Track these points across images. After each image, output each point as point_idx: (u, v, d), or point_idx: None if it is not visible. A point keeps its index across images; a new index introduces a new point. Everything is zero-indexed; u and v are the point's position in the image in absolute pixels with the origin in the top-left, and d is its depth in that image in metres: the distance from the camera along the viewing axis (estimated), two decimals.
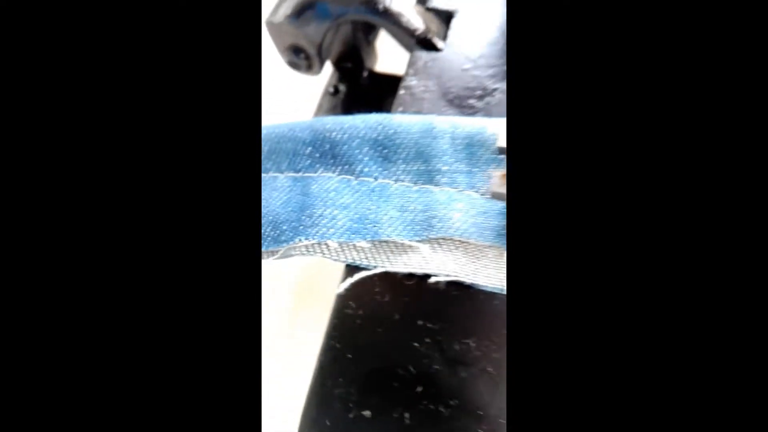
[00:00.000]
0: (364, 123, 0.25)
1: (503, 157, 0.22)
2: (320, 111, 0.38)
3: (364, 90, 0.39)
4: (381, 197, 0.24)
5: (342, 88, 0.39)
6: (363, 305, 0.24)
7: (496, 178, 0.20)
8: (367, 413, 0.23)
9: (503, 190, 0.19)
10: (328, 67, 0.40)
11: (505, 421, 0.21)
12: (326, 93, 0.39)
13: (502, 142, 0.20)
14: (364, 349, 0.23)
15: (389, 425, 0.22)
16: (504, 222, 0.23)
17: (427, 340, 0.23)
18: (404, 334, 0.23)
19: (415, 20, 0.29)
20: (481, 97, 0.27)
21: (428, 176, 0.25)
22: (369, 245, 0.24)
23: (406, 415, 0.22)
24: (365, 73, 0.39)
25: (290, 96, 0.42)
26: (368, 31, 0.37)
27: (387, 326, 0.23)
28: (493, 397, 0.22)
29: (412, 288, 0.23)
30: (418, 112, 0.26)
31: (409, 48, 0.29)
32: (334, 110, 0.38)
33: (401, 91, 0.27)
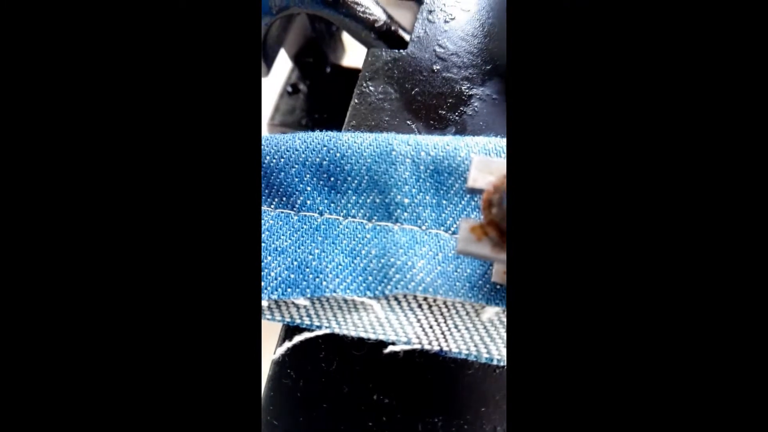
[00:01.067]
0: (305, 145, 0.20)
1: (478, 198, 0.17)
2: (276, 114, 0.33)
3: (328, 88, 0.34)
4: (327, 238, 0.20)
5: (302, 87, 0.33)
6: (304, 375, 0.19)
7: (464, 230, 0.15)
8: None
9: (475, 249, 0.14)
10: (288, 63, 0.35)
11: None
12: (284, 92, 0.34)
13: (475, 179, 0.15)
14: (306, 429, 0.19)
15: None
16: (481, 270, 0.19)
17: (384, 418, 0.19)
18: (355, 411, 0.19)
19: (375, 9, 0.23)
20: (453, 107, 0.21)
21: (385, 211, 0.20)
22: (308, 302, 0.19)
23: None
24: (328, 69, 0.33)
25: None
26: (330, 21, 0.31)
27: (334, 401, 0.19)
28: None
29: (365, 356, 0.19)
30: (376, 127, 0.21)
31: (366, 43, 0.24)
32: (292, 113, 0.33)
33: (354, 101, 0.22)
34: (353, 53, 0.36)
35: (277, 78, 0.34)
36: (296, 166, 0.20)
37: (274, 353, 0.19)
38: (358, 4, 0.23)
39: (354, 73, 0.34)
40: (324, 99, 0.33)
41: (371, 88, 0.22)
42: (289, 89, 0.33)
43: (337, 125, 0.22)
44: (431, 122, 0.21)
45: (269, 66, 0.27)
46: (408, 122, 0.21)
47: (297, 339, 0.19)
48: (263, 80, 0.29)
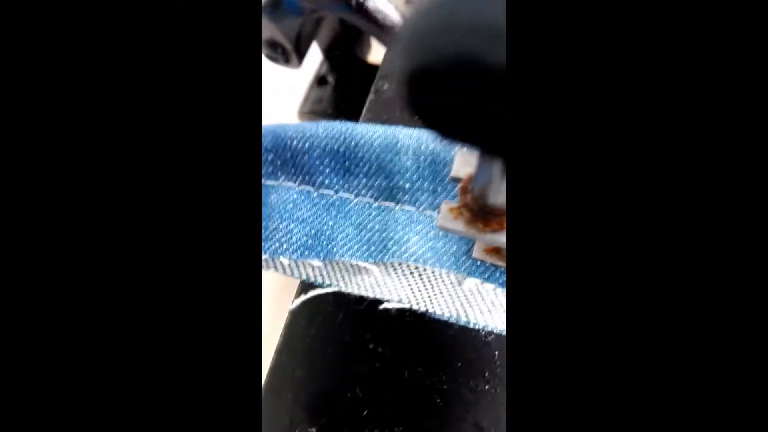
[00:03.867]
0: (326, 132, 0.24)
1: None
2: (306, 102, 0.37)
3: (353, 82, 0.37)
4: (339, 212, 0.23)
5: (330, 79, 0.37)
6: (315, 323, 0.23)
7: (444, 210, 0.18)
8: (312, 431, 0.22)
9: (451, 225, 0.18)
10: (318, 55, 0.39)
11: None
12: (314, 83, 0.37)
13: (457, 170, 0.19)
14: (313, 368, 0.23)
15: None
16: (465, 248, 0.22)
17: (377, 364, 0.22)
18: (354, 357, 0.23)
19: (394, 16, 0.27)
20: None
21: (389, 193, 0.23)
22: (321, 264, 0.23)
23: None
24: (355, 64, 0.37)
25: (275, 83, 0.40)
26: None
27: (337, 347, 0.23)
28: (439, 429, 0.21)
29: (365, 311, 0.22)
30: (388, 121, 0.25)
31: (386, 45, 0.27)
32: (319, 102, 0.37)
33: (371, 96, 0.25)
34: (379, 50, 0.40)
35: (308, 70, 0.38)
36: (318, 150, 0.24)
37: (292, 303, 0.24)
38: (378, 11, 0.26)
39: (378, 69, 0.38)
40: (349, 91, 0.37)
41: (386, 86, 0.26)
42: (319, 81, 0.37)
43: (358, 116, 0.26)
44: None
45: (301, 58, 0.31)
46: (415, 118, 0.25)
47: (311, 293, 0.23)
48: (295, 71, 0.33)
